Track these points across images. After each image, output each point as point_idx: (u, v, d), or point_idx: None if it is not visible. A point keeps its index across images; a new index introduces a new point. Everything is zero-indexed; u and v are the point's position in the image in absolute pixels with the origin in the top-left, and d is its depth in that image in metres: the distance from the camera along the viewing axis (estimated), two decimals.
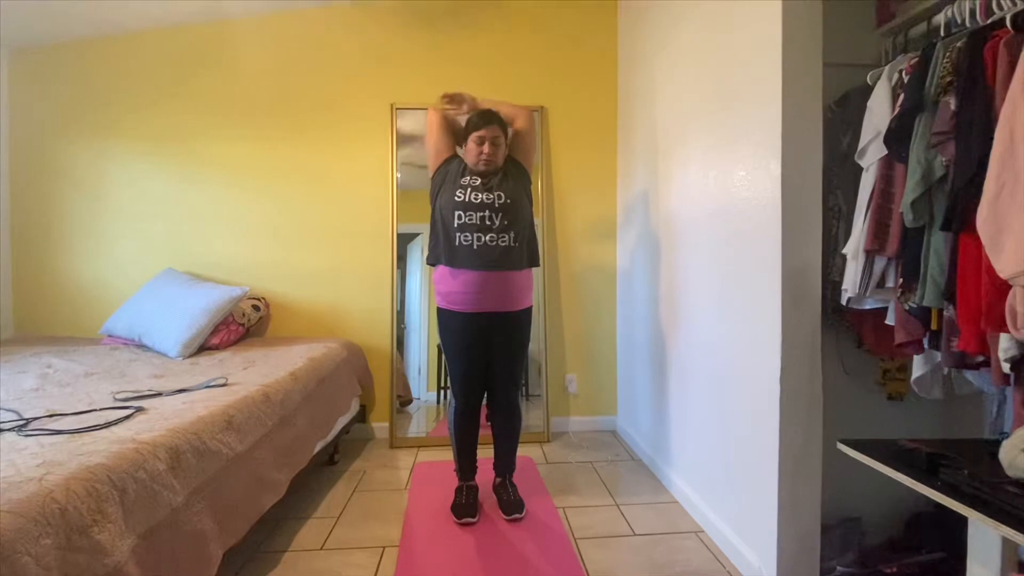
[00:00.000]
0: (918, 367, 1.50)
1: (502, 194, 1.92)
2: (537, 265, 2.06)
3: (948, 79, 1.30)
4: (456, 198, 1.91)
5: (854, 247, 1.54)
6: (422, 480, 2.39)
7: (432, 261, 2.02)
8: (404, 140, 2.98)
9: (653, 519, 2.01)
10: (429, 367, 3.14)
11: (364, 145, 2.95)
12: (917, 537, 1.75)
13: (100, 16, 2.74)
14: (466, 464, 2.09)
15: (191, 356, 2.38)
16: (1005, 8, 1.23)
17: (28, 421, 1.36)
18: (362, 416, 2.87)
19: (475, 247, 1.89)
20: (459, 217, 1.91)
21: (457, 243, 1.91)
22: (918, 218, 1.34)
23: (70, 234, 2.94)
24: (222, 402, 1.58)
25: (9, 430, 1.29)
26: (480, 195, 1.91)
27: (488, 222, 1.90)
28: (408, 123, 2.98)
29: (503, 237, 1.90)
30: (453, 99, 1.98)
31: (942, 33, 1.46)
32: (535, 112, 2.98)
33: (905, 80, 1.44)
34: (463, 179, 1.94)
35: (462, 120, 2.03)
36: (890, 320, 1.51)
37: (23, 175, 2.93)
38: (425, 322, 3.12)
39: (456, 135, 2.05)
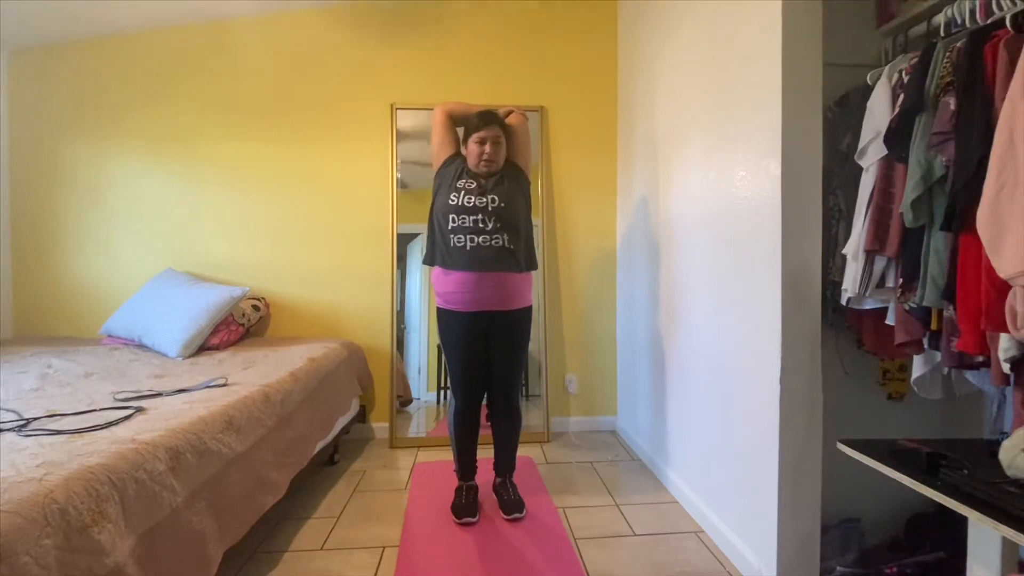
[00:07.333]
0: (918, 367, 1.50)
1: (496, 197, 1.92)
2: (534, 269, 2.06)
3: (948, 79, 1.30)
4: (450, 201, 1.92)
5: (854, 247, 1.54)
6: (422, 480, 2.39)
7: (428, 261, 2.03)
8: (404, 140, 2.98)
9: (653, 519, 2.01)
10: (429, 367, 3.14)
11: (364, 145, 2.95)
12: (917, 537, 1.75)
13: (100, 16, 2.74)
14: (466, 464, 2.09)
15: (191, 356, 2.38)
16: (1005, 8, 1.23)
17: (28, 421, 1.36)
18: (362, 416, 2.86)
19: (468, 248, 1.90)
20: (452, 220, 1.91)
21: (451, 245, 1.92)
22: (918, 218, 1.34)
23: (70, 234, 2.94)
24: (222, 402, 1.58)
25: (9, 430, 1.29)
26: (474, 199, 1.91)
27: (481, 225, 1.90)
28: (408, 123, 2.98)
29: (496, 239, 1.90)
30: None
31: (942, 33, 1.46)
32: (535, 112, 2.98)
33: (905, 80, 1.44)
34: (459, 182, 1.94)
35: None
36: (890, 320, 1.51)
37: (23, 175, 2.93)
38: (425, 322, 3.12)
39: (462, 131, 2.06)
